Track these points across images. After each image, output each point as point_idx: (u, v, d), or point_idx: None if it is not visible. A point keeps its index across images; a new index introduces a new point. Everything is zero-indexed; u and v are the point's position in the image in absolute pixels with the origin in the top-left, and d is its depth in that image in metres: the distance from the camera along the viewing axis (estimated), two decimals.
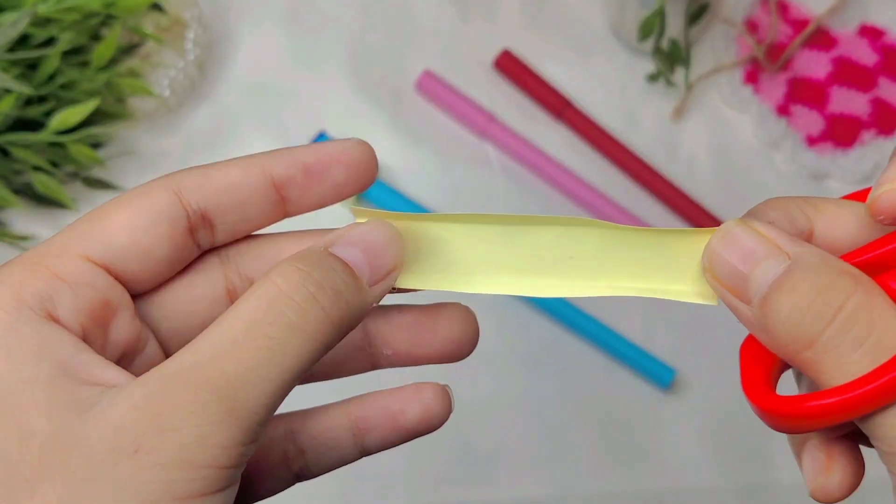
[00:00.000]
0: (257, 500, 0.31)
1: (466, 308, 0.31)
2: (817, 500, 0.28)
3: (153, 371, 0.24)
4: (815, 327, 0.26)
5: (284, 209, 0.29)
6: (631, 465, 0.61)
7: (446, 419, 0.30)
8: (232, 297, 0.30)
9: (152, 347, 0.29)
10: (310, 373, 0.27)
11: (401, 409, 0.30)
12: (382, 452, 0.63)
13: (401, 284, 0.29)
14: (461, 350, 0.31)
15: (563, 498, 0.60)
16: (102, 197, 0.62)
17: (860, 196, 0.29)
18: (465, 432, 0.61)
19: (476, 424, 0.61)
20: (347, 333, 0.27)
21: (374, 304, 0.28)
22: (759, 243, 0.27)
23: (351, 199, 0.29)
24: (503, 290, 0.29)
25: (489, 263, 0.29)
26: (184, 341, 0.26)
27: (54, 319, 0.26)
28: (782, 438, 0.65)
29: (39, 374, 0.24)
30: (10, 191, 0.58)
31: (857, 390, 0.25)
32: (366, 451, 0.31)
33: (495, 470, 0.60)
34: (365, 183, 0.29)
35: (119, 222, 0.27)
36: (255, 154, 0.29)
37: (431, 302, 0.31)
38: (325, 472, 0.31)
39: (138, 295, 0.29)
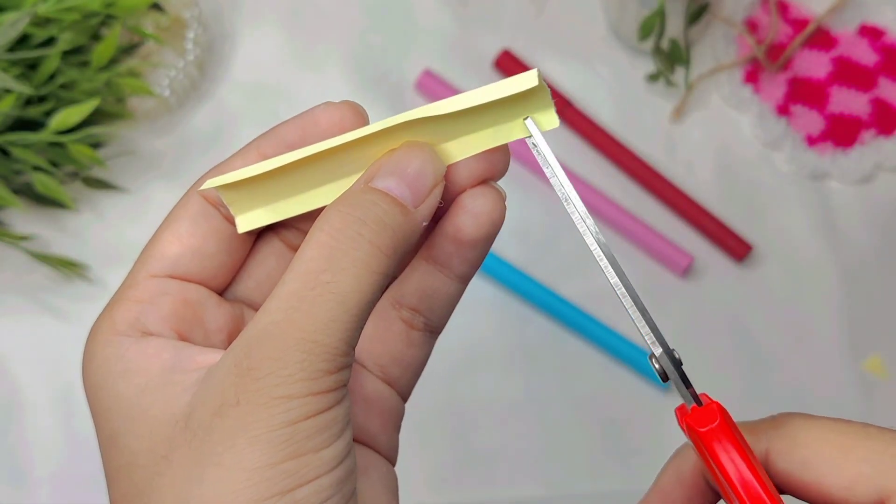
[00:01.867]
0: (417, 372, 0.34)
1: None
2: None
3: (237, 340, 0.27)
4: None
5: None
6: (631, 465, 0.61)
7: (502, 213, 0.31)
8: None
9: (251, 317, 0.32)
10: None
11: (457, 227, 0.30)
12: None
13: (264, 222, 0.31)
14: (492, 164, 0.31)
15: (563, 498, 0.60)
16: (102, 197, 0.62)
17: None
18: (465, 432, 0.61)
19: (476, 424, 0.61)
20: (405, 253, 0.29)
21: (425, 222, 0.29)
22: None
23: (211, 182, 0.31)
24: None
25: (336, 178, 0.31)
26: None
27: (148, 334, 0.30)
28: None
29: (149, 381, 0.28)
30: (10, 191, 0.58)
31: None
32: (464, 278, 0.32)
33: (495, 470, 0.60)
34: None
35: (167, 238, 0.31)
36: (252, 140, 0.32)
37: None
38: (447, 318, 0.33)
39: (229, 285, 0.32)
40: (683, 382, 0.29)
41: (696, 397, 0.29)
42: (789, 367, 0.63)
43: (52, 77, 0.57)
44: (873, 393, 0.62)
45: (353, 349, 0.28)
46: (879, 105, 0.66)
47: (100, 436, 0.29)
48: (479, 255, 0.31)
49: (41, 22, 0.57)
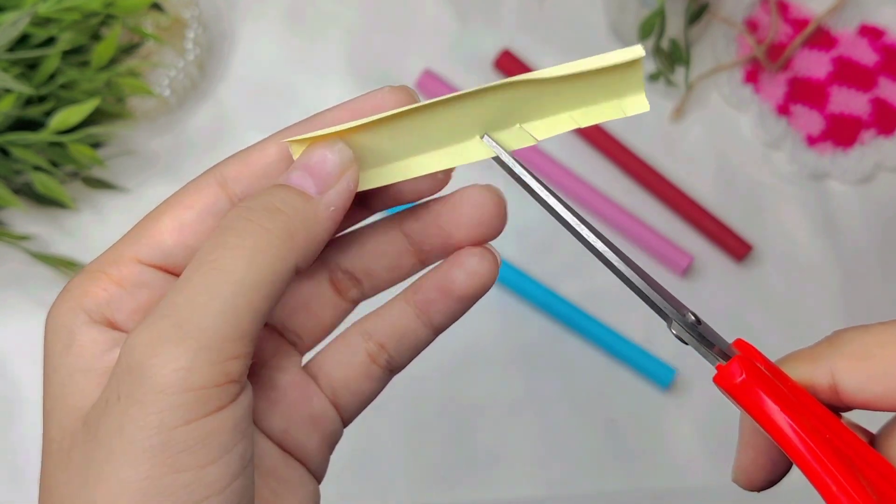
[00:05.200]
0: (366, 404, 0.33)
1: (487, 186, 0.31)
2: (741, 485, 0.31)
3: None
4: None
5: None
6: (631, 465, 0.61)
7: (495, 277, 0.31)
8: None
9: None
10: (370, 286, 0.31)
11: (450, 279, 0.31)
12: (384, 452, 0.63)
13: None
14: (489, 230, 0.31)
15: (563, 498, 0.60)
16: (103, 197, 0.62)
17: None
18: (465, 432, 0.61)
19: (476, 424, 0.61)
20: (313, 243, 0.27)
21: (336, 209, 0.28)
22: None
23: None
24: (447, 162, 0.30)
25: (424, 145, 0.30)
26: None
27: (112, 324, 0.28)
28: None
29: (79, 366, 0.27)
30: (9, 191, 0.58)
31: None
32: (438, 328, 0.32)
33: (495, 470, 0.60)
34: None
35: (167, 223, 0.29)
36: (285, 128, 0.30)
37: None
38: (410, 361, 0.33)
39: None
40: (702, 344, 0.29)
41: (721, 354, 0.28)
42: None
43: (52, 77, 0.57)
44: None
45: (249, 341, 0.25)
46: (879, 105, 0.66)
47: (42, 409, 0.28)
48: (460, 311, 0.32)
49: (41, 22, 0.57)
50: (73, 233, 0.62)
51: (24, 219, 0.62)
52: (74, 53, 0.58)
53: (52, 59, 0.57)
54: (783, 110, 0.66)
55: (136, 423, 0.23)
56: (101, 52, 0.57)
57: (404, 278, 0.32)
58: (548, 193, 0.30)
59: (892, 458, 0.27)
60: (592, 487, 0.60)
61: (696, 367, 0.62)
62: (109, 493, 0.23)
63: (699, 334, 0.29)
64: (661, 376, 0.61)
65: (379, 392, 0.33)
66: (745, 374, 0.27)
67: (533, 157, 0.64)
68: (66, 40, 0.57)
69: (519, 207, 0.64)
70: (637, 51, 0.29)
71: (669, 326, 0.29)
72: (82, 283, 0.28)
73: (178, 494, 0.23)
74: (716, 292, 0.64)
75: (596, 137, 0.65)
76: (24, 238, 0.60)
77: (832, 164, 0.65)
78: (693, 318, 0.29)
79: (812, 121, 0.66)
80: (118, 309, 0.28)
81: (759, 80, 0.66)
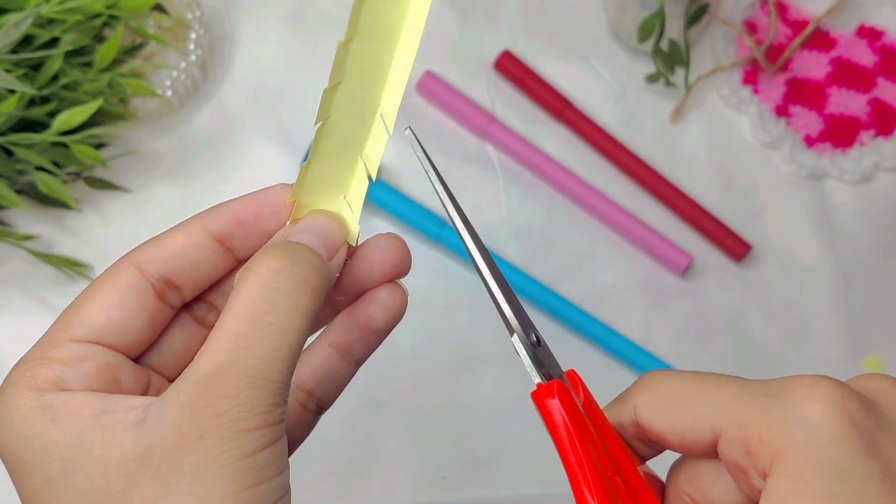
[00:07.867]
0: (298, 445, 0.36)
1: (390, 235, 0.34)
2: None
3: (183, 381, 0.29)
4: None
5: (234, 256, 0.34)
6: None
7: (406, 306, 0.35)
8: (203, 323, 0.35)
9: (158, 384, 0.34)
10: None
11: (367, 317, 0.34)
12: (385, 451, 0.63)
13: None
14: (399, 273, 0.34)
15: (562, 496, 0.60)
16: (105, 197, 0.63)
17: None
18: (465, 432, 0.61)
19: (476, 424, 0.61)
20: (322, 302, 0.31)
21: (337, 274, 0.33)
22: None
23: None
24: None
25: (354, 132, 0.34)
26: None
27: (68, 390, 0.31)
28: None
29: (85, 426, 0.30)
30: (13, 191, 0.58)
31: None
32: (360, 362, 0.36)
33: (495, 470, 0.60)
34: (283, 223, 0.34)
35: (95, 306, 0.32)
36: (195, 215, 0.33)
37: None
38: (337, 397, 0.36)
39: (143, 353, 0.33)
40: (534, 363, 0.33)
41: (548, 376, 0.32)
42: (788, 366, 0.63)
43: (55, 78, 0.58)
44: None
45: (290, 380, 0.30)
46: (878, 106, 0.66)
47: (31, 480, 0.30)
48: (378, 342, 0.35)
49: (44, 23, 0.57)
50: (76, 233, 0.62)
51: (28, 219, 0.62)
52: (77, 54, 0.59)
53: (55, 60, 0.57)
54: (782, 111, 0.66)
55: (228, 453, 0.28)
56: (103, 53, 0.58)
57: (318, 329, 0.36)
58: (443, 190, 0.33)
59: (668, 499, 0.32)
60: None
61: (696, 367, 0.63)
62: None
63: (534, 354, 0.33)
64: None
65: (309, 433, 0.36)
66: (558, 397, 0.31)
67: (534, 158, 0.64)
68: (69, 41, 0.57)
69: (519, 207, 0.65)
70: None
71: (510, 336, 0.33)
72: (27, 372, 0.31)
73: (260, 499, 0.29)
74: (715, 292, 0.64)
75: (596, 137, 0.65)
76: (27, 238, 0.61)
77: (831, 164, 0.65)
78: (535, 338, 0.33)
79: (811, 121, 0.66)
80: (71, 381, 0.31)
81: (759, 80, 0.67)
